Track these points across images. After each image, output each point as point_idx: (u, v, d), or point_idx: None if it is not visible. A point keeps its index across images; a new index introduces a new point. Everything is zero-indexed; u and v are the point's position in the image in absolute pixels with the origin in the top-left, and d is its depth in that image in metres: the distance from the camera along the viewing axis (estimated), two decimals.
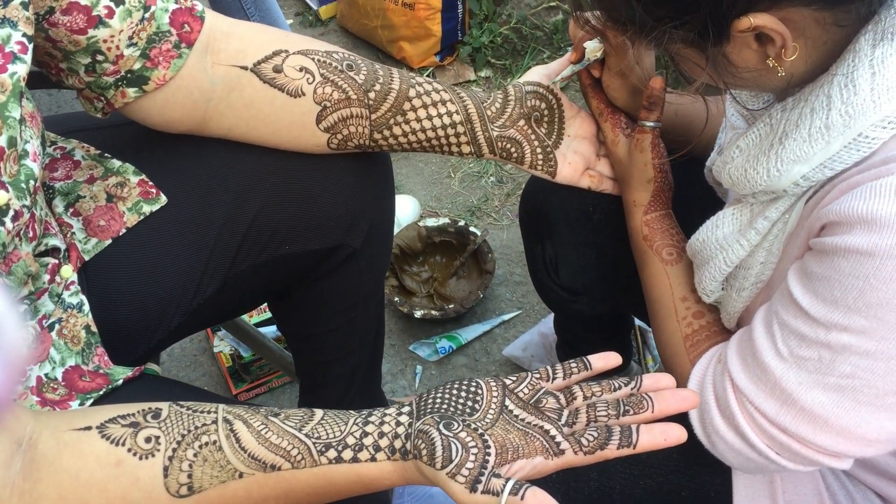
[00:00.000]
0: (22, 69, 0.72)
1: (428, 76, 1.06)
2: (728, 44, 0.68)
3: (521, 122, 0.95)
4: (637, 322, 1.55)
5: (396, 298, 1.67)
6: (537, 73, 0.97)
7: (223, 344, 1.59)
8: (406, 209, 1.87)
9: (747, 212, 0.79)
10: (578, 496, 0.90)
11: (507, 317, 1.72)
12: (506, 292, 1.78)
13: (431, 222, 1.78)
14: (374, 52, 2.39)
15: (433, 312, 1.65)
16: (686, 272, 0.89)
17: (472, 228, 1.76)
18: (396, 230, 1.78)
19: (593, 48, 0.92)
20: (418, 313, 1.64)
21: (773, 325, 0.72)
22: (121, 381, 0.83)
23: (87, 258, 0.88)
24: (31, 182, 0.74)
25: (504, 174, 2.05)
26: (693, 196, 0.95)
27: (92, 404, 0.80)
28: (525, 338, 1.62)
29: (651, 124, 0.92)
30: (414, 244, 1.76)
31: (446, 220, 1.78)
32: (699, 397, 0.80)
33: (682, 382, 0.84)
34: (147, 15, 0.81)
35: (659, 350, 0.90)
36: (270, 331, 1.59)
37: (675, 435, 0.65)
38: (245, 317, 1.60)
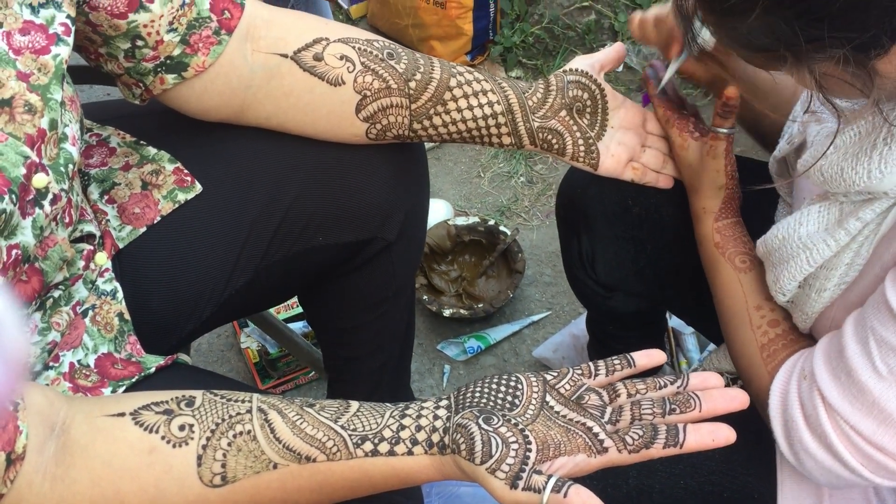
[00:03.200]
0: (65, 51, 0.71)
1: None
2: (886, 56, 0.61)
3: (563, 113, 0.93)
4: (671, 323, 1.52)
5: (425, 297, 1.65)
6: (580, 62, 0.94)
7: (250, 340, 1.58)
8: (438, 213, 1.86)
9: (836, 210, 0.75)
10: (617, 494, 0.88)
11: (536, 317, 1.70)
12: (535, 293, 1.76)
13: (461, 221, 1.76)
14: None
15: (462, 311, 1.63)
16: (759, 280, 0.86)
17: (501, 228, 1.74)
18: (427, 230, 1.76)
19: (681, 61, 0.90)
20: (447, 312, 1.62)
21: (870, 341, 0.69)
22: (153, 370, 0.82)
23: (121, 245, 0.88)
24: (70, 166, 0.73)
25: (534, 174, 2.03)
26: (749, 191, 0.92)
27: (124, 391, 0.79)
28: (556, 339, 1.60)
29: (725, 131, 0.90)
30: (443, 243, 1.75)
31: (476, 220, 1.76)
32: (778, 411, 0.77)
33: (760, 394, 0.81)
34: (188, 0, 0.80)
35: (733, 360, 0.87)
36: (299, 327, 1.58)
37: (723, 435, 0.63)
38: (273, 311, 1.59)
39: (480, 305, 1.64)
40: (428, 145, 1.96)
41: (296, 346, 1.46)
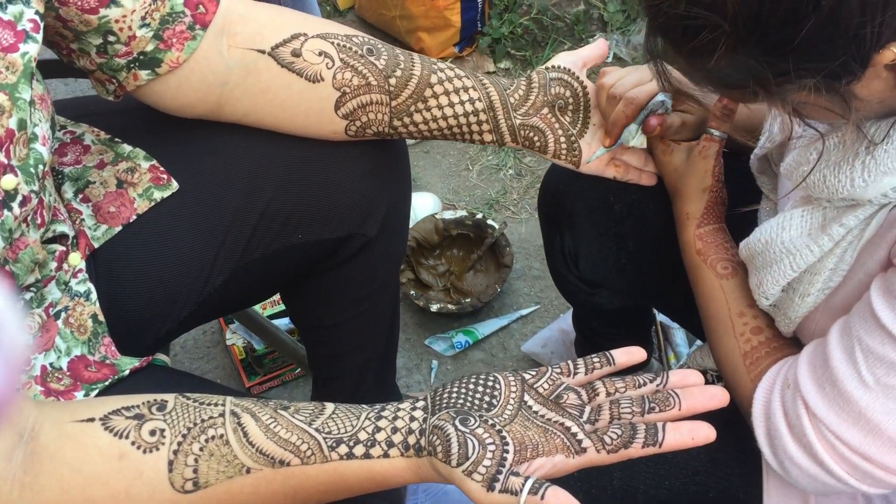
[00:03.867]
0: (33, 49, 0.70)
1: None
2: (860, 80, 0.61)
3: (545, 111, 0.92)
4: (659, 317, 1.51)
5: (412, 292, 1.64)
6: (563, 59, 0.93)
7: (236, 337, 1.57)
8: (426, 207, 1.84)
9: (819, 215, 0.74)
10: (601, 495, 0.87)
11: (524, 312, 1.69)
12: (524, 287, 1.75)
13: (449, 215, 1.75)
14: (393, 43, 2.36)
15: (449, 306, 1.62)
16: (742, 286, 0.85)
17: (489, 221, 1.73)
18: (413, 223, 1.75)
19: (640, 141, 0.91)
20: (434, 307, 1.61)
21: (856, 350, 0.69)
22: (127, 372, 0.81)
23: (96, 245, 0.86)
24: (40, 167, 0.72)
25: (523, 167, 2.02)
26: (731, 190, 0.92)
27: (97, 395, 0.78)
28: (544, 334, 1.59)
29: (720, 134, 0.90)
30: (431, 237, 1.73)
31: (464, 213, 1.75)
32: (762, 419, 0.77)
33: (743, 401, 0.81)
34: None
35: (717, 366, 0.87)
36: (284, 323, 1.56)
37: (703, 434, 0.62)
38: (258, 308, 1.58)
39: (468, 300, 1.63)
40: (412, 140, 1.96)
41: (280, 342, 1.45)
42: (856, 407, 0.68)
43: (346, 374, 1.19)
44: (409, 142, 2.04)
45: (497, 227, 1.71)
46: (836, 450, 0.71)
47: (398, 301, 1.20)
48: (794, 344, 0.82)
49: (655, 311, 1.47)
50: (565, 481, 0.77)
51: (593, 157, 0.93)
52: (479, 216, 1.74)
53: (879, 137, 0.66)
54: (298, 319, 1.18)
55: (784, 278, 0.77)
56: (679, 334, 1.52)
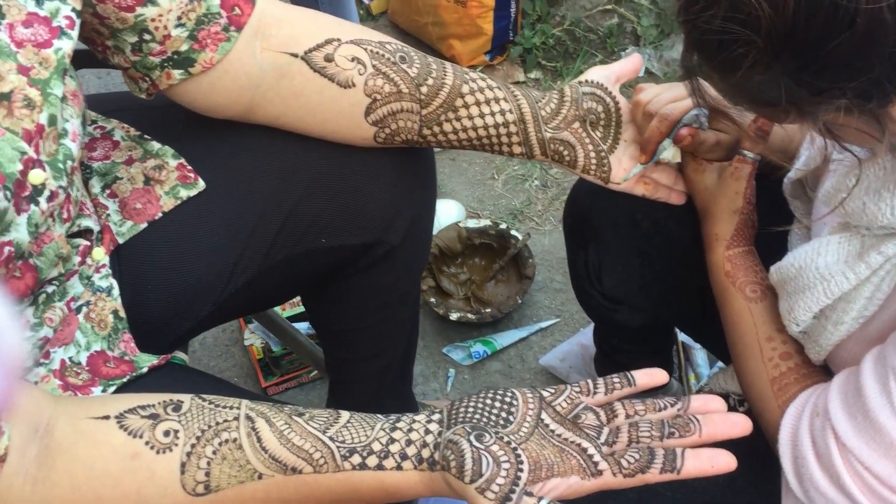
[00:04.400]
0: (68, 45, 0.70)
1: None
2: (895, 103, 0.59)
3: (576, 125, 0.91)
4: (680, 337, 1.50)
5: (432, 299, 1.63)
6: (596, 74, 0.93)
7: (254, 337, 1.58)
8: (450, 214, 1.84)
9: (857, 242, 0.73)
10: None
11: (544, 324, 1.68)
12: (544, 299, 1.73)
13: (472, 224, 1.74)
14: (424, 49, 2.35)
15: (469, 316, 1.61)
16: (771, 310, 0.83)
17: (513, 232, 1.72)
18: (437, 230, 1.75)
19: (673, 154, 0.90)
20: (454, 316, 1.61)
21: (890, 381, 0.67)
22: (146, 369, 0.81)
23: (121, 241, 0.87)
24: (69, 162, 0.72)
25: (549, 178, 2.00)
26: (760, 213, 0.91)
27: (115, 391, 0.78)
28: (564, 348, 1.58)
29: (753, 156, 0.88)
30: (453, 245, 1.73)
31: (487, 223, 1.74)
32: (788, 447, 0.75)
33: (770, 427, 0.79)
34: None
35: (744, 391, 0.85)
36: (304, 327, 1.57)
37: (723, 462, 0.61)
38: (278, 309, 1.58)
39: (488, 310, 1.62)
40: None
41: (299, 344, 1.45)
42: (888, 438, 0.66)
43: (363, 379, 1.18)
44: (438, 149, 2.05)
45: (520, 238, 1.70)
46: (865, 481, 0.69)
47: (418, 310, 1.20)
48: (823, 372, 0.80)
49: (677, 331, 1.45)
50: (580, 501, 0.76)
51: (630, 174, 0.92)
52: (503, 226, 1.73)
53: None
54: (318, 323, 1.18)
55: (817, 305, 0.75)
56: (700, 355, 1.50)
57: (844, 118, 0.61)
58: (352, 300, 1.07)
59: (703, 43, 0.62)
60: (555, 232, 1.87)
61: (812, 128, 0.64)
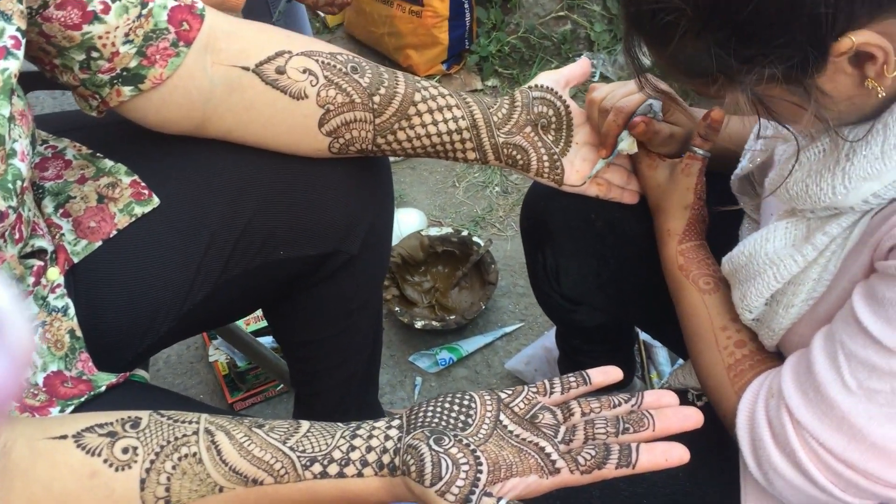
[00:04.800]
0: (14, 65, 0.70)
1: None
2: (823, 73, 0.62)
3: (528, 129, 0.92)
4: (642, 336, 1.52)
5: (397, 308, 1.64)
6: (546, 78, 0.94)
7: (219, 353, 1.57)
8: (412, 223, 1.84)
9: (803, 226, 0.75)
10: None
11: (509, 329, 1.69)
12: (508, 304, 1.75)
13: (434, 232, 1.75)
14: (381, 60, 2.37)
15: (434, 323, 1.62)
16: (725, 301, 0.85)
17: (475, 238, 1.73)
18: (399, 240, 1.75)
19: (629, 144, 0.92)
20: (419, 324, 1.61)
21: (839, 355, 0.68)
22: (104, 388, 0.81)
23: (76, 260, 0.86)
24: (19, 182, 0.72)
25: (509, 184, 2.02)
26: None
27: (73, 411, 0.78)
28: (528, 351, 1.59)
29: (703, 152, 0.91)
30: (416, 253, 1.74)
31: (449, 230, 1.75)
32: (746, 430, 0.76)
33: (727, 414, 0.80)
34: (144, 12, 0.79)
35: (701, 382, 0.86)
36: (268, 341, 1.56)
37: (676, 455, 0.63)
38: (242, 324, 1.57)
39: (452, 317, 1.63)
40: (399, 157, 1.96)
41: (263, 358, 1.45)
42: (839, 412, 0.68)
43: (329, 390, 1.18)
44: (397, 158, 2.05)
45: (482, 244, 1.71)
46: (820, 458, 0.70)
47: (381, 318, 1.20)
48: (778, 358, 0.82)
49: (638, 330, 1.47)
50: (544, 500, 0.77)
51: (593, 171, 0.94)
52: (465, 233, 1.74)
53: (858, 142, 0.67)
54: (280, 336, 1.18)
55: (768, 290, 0.77)
56: (662, 353, 1.53)
57: (774, 89, 0.63)
58: (313, 311, 1.07)
59: (638, 16, 0.65)
60: (517, 237, 1.88)
61: (744, 102, 0.66)
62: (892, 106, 0.65)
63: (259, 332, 1.58)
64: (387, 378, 1.61)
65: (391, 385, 1.61)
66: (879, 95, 0.63)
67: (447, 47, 2.23)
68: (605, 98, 0.92)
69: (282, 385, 1.57)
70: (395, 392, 1.61)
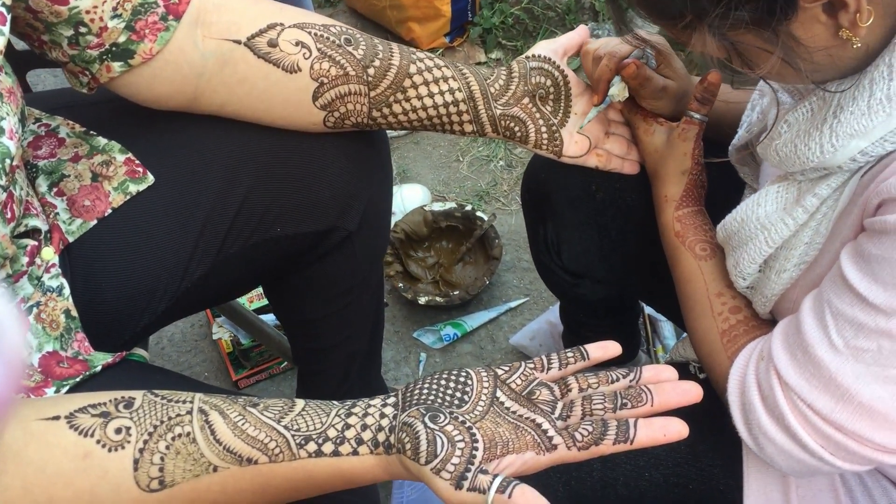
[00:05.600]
0: (0, 41, 0.68)
1: None
2: (795, 19, 0.61)
3: (526, 100, 0.91)
4: (647, 310, 1.50)
5: (401, 284, 1.63)
6: (543, 48, 0.93)
7: (222, 330, 1.56)
8: (416, 198, 1.83)
9: (794, 189, 0.74)
10: (581, 487, 0.87)
11: (513, 304, 1.68)
12: (513, 279, 1.74)
13: (437, 207, 1.74)
14: (383, 33, 2.35)
15: (437, 299, 1.61)
16: (720, 268, 0.84)
17: (478, 213, 1.71)
18: (402, 215, 1.74)
19: (620, 89, 0.91)
20: (422, 300, 1.60)
21: (826, 314, 0.67)
22: (99, 368, 0.80)
23: (71, 239, 0.85)
24: (8, 161, 0.71)
25: (513, 158, 2.00)
26: (710, 184, 0.92)
27: (68, 391, 0.77)
28: (533, 326, 1.59)
29: (700, 117, 0.89)
30: (420, 229, 1.72)
31: (453, 205, 1.74)
32: (737, 394, 0.75)
33: (720, 380, 0.79)
34: None
35: (695, 348, 0.86)
36: (271, 318, 1.56)
37: (675, 430, 0.62)
38: (245, 301, 1.57)
39: (457, 292, 1.62)
40: (401, 132, 1.95)
41: (266, 336, 1.44)
42: (826, 372, 0.67)
43: (331, 367, 1.18)
44: (399, 133, 2.03)
45: (486, 218, 1.70)
46: (809, 420, 0.69)
47: (382, 294, 1.20)
48: (771, 324, 0.81)
49: (643, 304, 1.46)
50: (545, 473, 0.77)
51: (586, 119, 0.93)
52: (469, 208, 1.73)
53: (845, 98, 0.66)
54: (281, 314, 1.17)
55: (760, 255, 0.76)
56: (667, 327, 1.51)
57: (746, 35, 0.62)
58: (313, 289, 1.06)
59: None
60: (521, 211, 1.86)
61: (717, 49, 0.65)
62: (877, 61, 0.64)
63: (261, 310, 1.58)
64: (391, 354, 1.61)
65: (395, 361, 1.61)
66: (854, 46, 0.62)
67: (450, 19, 2.20)
68: (599, 48, 0.92)
69: (286, 362, 1.57)
70: (399, 368, 1.60)
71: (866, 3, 0.59)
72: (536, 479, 0.68)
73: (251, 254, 0.93)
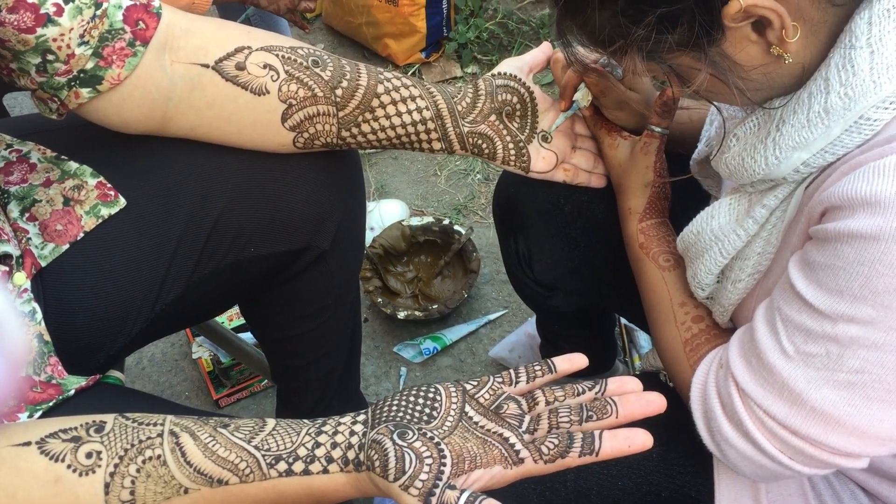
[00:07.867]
0: None
1: (413, 73, 1.04)
2: (725, 39, 0.64)
3: (493, 118, 0.92)
4: (623, 320, 1.52)
5: (380, 299, 1.64)
6: (509, 66, 0.94)
7: (202, 349, 1.57)
8: (394, 213, 1.84)
9: (745, 201, 0.76)
10: (555, 497, 0.88)
11: (492, 316, 1.69)
12: (491, 291, 1.75)
13: (416, 221, 1.75)
14: (360, 50, 2.36)
15: (417, 313, 1.62)
16: (683, 278, 0.86)
17: (456, 227, 1.73)
18: (381, 230, 1.75)
19: (583, 95, 0.93)
20: (402, 314, 1.61)
21: (777, 321, 0.69)
22: (73, 392, 0.81)
23: (43, 264, 0.86)
24: None
25: (491, 171, 2.02)
26: (676, 196, 0.93)
27: (41, 416, 0.77)
28: (512, 338, 1.60)
29: (660, 130, 0.91)
30: (398, 244, 1.73)
31: (430, 219, 1.75)
32: (699, 402, 0.77)
33: (683, 388, 0.81)
34: (99, 12, 0.78)
35: (660, 357, 0.87)
36: (250, 336, 1.56)
37: (639, 441, 0.63)
38: (224, 320, 1.57)
39: (435, 306, 1.63)
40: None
41: (245, 354, 1.45)
42: (779, 378, 0.68)
43: (309, 384, 1.18)
44: (377, 150, 2.04)
45: (464, 232, 1.71)
46: (766, 426, 0.70)
47: (359, 312, 1.20)
48: (733, 332, 0.82)
49: (619, 315, 1.47)
50: (520, 484, 0.77)
51: (553, 126, 0.95)
52: (446, 222, 1.74)
53: (787, 111, 0.68)
54: (258, 332, 1.18)
55: (716, 266, 0.78)
56: (643, 336, 1.53)
57: (680, 57, 0.65)
58: (288, 306, 1.07)
59: None
60: None
61: (644, 69, 0.68)
62: (814, 75, 0.66)
63: (241, 329, 1.58)
64: (371, 369, 1.62)
65: (376, 376, 1.62)
66: (787, 61, 0.64)
67: (425, 35, 2.22)
68: None
69: (266, 380, 1.57)
70: (380, 383, 1.61)
71: (791, 19, 0.61)
72: (511, 490, 0.69)
73: (225, 274, 0.94)
